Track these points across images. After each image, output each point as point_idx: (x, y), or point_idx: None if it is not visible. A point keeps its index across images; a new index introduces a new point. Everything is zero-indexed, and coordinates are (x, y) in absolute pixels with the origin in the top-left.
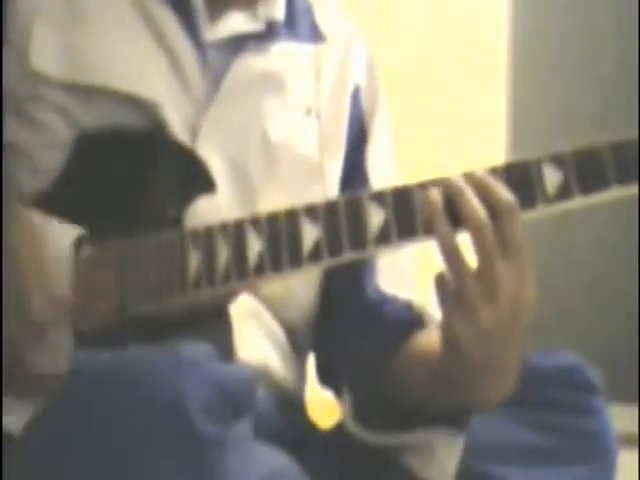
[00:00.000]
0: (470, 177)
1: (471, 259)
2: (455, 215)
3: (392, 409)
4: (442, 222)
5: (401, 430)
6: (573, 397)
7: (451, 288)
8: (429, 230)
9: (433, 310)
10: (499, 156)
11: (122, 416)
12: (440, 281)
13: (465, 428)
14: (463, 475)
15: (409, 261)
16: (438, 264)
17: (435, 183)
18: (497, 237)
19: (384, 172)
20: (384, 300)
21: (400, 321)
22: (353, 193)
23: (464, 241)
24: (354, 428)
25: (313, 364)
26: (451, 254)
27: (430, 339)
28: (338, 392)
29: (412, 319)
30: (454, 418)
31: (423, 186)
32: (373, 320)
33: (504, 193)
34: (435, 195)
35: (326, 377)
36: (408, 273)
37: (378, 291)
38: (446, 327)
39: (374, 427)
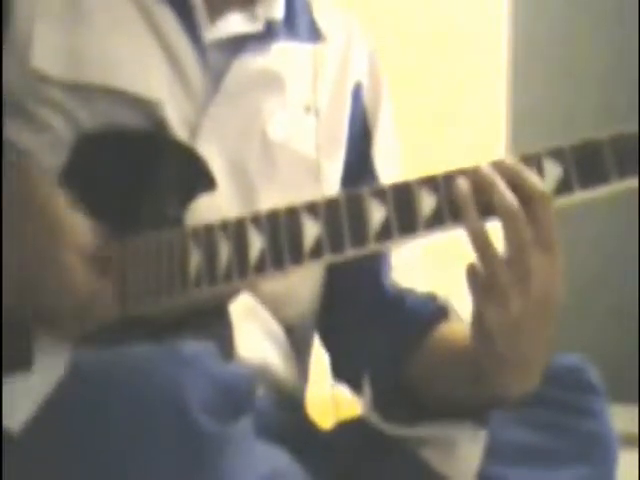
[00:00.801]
0: (500, 165)
1: (501, 248)
2: (483, 204)
3: (414, 402)
4: (472, 211)
5: (422, 423)
6: (574, 397)
7: (482, 277)
8: (458, 219)
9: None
10: (499, 155)
11: (123, 414)
12: (472, 271)
13: (487, 423)
14: None
15: (418, 257)
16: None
17: (463, 172)
18: (530, 225)
19: (391, 168)
20: (403, 293)
21: (424, 313)
22: (356, 189)
23: (493, 230)
24: (375, 420)
25: (328, 360)
26: (482, 243)
27: (454, 331)
28: (355, 386)
29: (436, 310)
30: (476, 412)
31: (451, 175)
32: (396, 313)
33: (536, 181)
34: (464, 184)
35: (343, 372)
36: (419, 269)
37: (395, 285)
38: (477, 317)
39: (394, 419)
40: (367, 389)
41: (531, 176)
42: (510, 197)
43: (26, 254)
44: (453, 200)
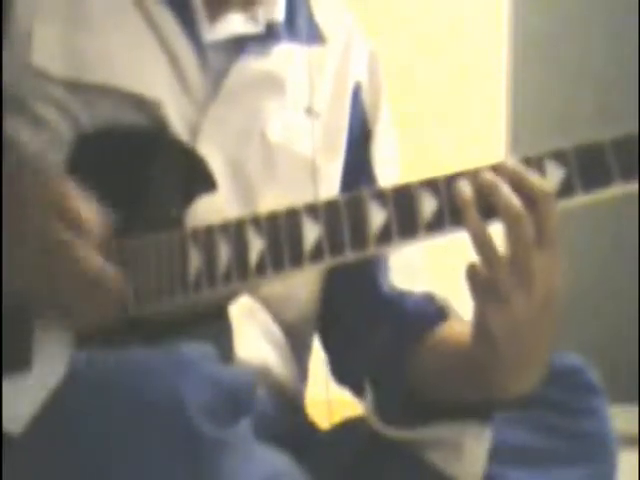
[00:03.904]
0: (502, 168)
1: (502, 247)
2: (485, 207)
3: (415, 404)
4: (473, 214)
5: (425, 425)
6: (574, 398)
7: (484, 278)
8: (459, 222)
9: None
10: (499, 155)
11: (122, 416)
12: (472, 271)
13: (490, 422)
14: None
15: (419, 258)
16: (452, 260)
17: (464, 175)
18: (533, 226)
19: (390, 169)
20: (402, 295)
21: (424, 313)
22: (356, 191)
23: (494, 230)
24: (377, 423)
25: (328, 364)
26: (485, 246)
27: (454, 330)
28: (357, 390)
29: (435, 311)
30: (478, 411)
31: (452, 178)
32: (394, 315)
33: (539, 181)
34: (465, 187)
35: (344, 375)
36: (419, 270)
37: (393, 287)
38: (478, 317)
39: (397, 422)
40: (369, 393)
41: (534, 177)
42: (514, 199)
43: (37, 244)
44: (454, 203)
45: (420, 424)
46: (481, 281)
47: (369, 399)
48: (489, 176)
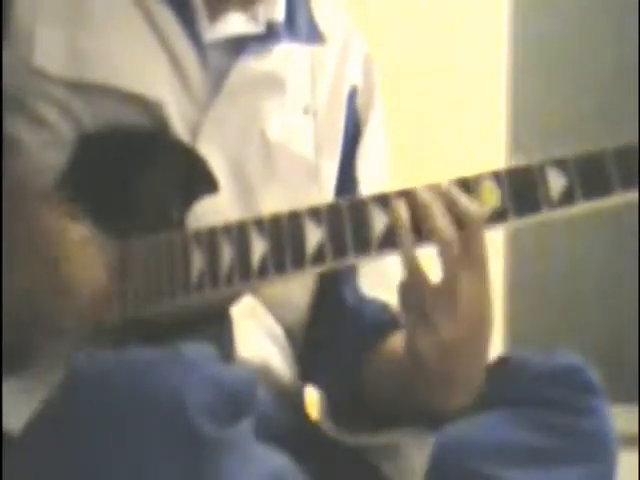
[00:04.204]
0: (436, 189)
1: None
2: (419, 226)
3: (364, 409)
4: (406, 235)
5: (372, 430)
6: (573, 397)
7: (413, 299)
8: (390, 243)
9: None
10: (499, 158)
11: (122, 416)
12: (403, 291)
13: (432, 429)
14: (462, 475)
15: (394, 266)
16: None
17: (400, 195)
18: (462, 249)
19: (375, 173)
20: (363, 301)
21: (377, 322)
22: (347, 194)
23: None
24: (329, 427)
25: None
26: (412, 268)
27: (399, 342)
28: (317, 389)
29: (387, 320)
30: (419, 420)
31: (385, 198)
32: (351, 321)
33: (470, 206)
34: (400, 207)
35: (310, 376)
36: (392, 277)
37: (357, 292)
38: (407, 336)
39: (347, 427)
40: (324, 397)
41: (465, 200)
42: (445, 223)
43: (27, 269)
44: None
45: (366, 430)
46: (411, 302)
47: (324, 403)
48: (424, 195)
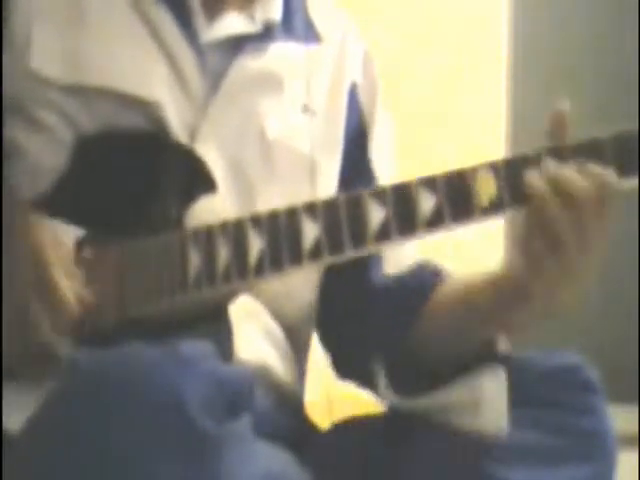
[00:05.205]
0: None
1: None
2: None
3: (427, 370)
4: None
5: (440, 388)
6: (573, 397)
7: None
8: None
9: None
10: (499, 155)
11: (122, 414)
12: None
13: (505, 363)
14: (462, 475)
15: (414, 253)
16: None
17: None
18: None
19: (387, 167)
20: (396, 277)
21: (420, 282)
22: (357, 190)
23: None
24: (393, 399)
25: (330, 362)
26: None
27: (453, 287)
28: (362, 381)
29: (430, 275)
30: (489, 357)
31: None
32: (392, 295)
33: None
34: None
35: (348, 369)
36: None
37: (387, 275)
38: (529, 258)
39: (413, 392)
40: (379, 372)
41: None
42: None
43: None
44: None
45: (435, 388)
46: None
47: (381, 378)
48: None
